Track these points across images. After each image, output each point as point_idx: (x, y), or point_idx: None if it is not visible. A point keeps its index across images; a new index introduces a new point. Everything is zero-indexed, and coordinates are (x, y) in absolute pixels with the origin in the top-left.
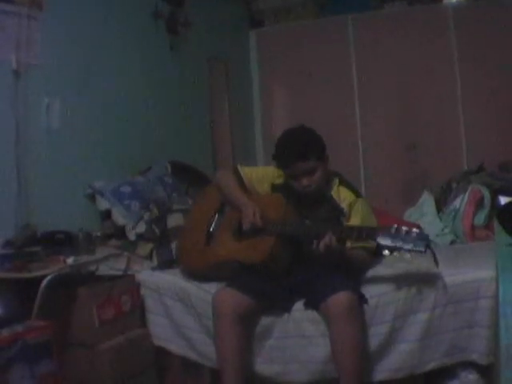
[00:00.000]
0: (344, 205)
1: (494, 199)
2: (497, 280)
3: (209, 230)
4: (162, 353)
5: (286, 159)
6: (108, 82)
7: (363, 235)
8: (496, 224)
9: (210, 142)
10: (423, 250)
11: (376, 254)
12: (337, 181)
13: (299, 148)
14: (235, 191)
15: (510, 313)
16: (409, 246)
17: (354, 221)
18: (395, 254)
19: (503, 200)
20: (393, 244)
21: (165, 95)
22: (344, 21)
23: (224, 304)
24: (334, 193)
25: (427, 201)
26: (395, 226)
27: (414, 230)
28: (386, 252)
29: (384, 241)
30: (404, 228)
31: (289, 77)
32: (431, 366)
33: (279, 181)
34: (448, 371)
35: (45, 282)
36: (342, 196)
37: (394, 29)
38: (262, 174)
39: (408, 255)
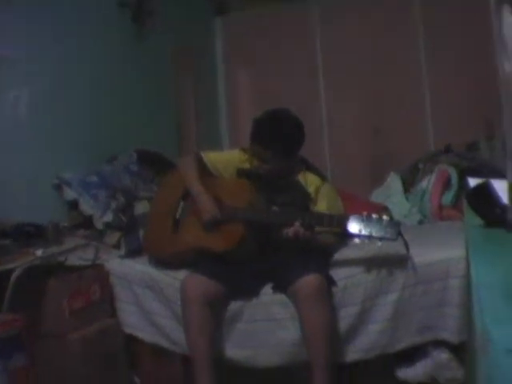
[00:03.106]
0: (311, 189)
1: (462, 179)
2: (467, 259)
3: (175, 217)
4: (132, 341)
5: (268, 147)
6: (74, 72)
7: (334, 223)
8: (465, 206)
9: (175, 129)
10: (395, 237)
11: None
12: (303, 166)
13: (287, 146)
14: (193, 182)
15: (484, 297)
16: (380, 234)
17: (321, 205)
18: (366, 242)
19: (472, 181)
20: (364, 233)
21: (130, 84)
22: (309, 6)
23: (192, 290)
24: (300, 177)
25: (394, 181)
26: (365, 213)
27: (385, 217)
28: (357, 240)
29: (354, 229)
30: (374, 215)
31: (254, 63)
32: (402, 345)
33: (245, 165)
34: (420, 350)
35: (14, 274)
36: (309, 181)
37: (359, 13)
38: (227, 159)
39: (379, 243)
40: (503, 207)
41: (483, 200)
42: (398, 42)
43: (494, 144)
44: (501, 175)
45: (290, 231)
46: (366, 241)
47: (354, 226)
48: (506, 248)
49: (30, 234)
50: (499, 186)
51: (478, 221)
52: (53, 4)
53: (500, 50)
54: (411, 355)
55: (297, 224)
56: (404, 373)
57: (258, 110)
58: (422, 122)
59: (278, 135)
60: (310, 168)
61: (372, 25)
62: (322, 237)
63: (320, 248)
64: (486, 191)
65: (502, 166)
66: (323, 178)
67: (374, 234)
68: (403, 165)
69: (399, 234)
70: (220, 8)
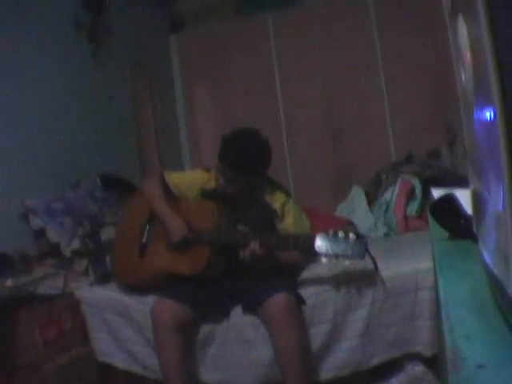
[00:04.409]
0: (276, 206)
1: (426, 188)
2: (435, 273)
3: (141, 242)
4: (106, 368)
5: (235, 167)
6: (32, 95)
7: (300, 243)
8: (430, 218)
9: (136, 151)
10: (362, 256)
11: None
12: (267, 183)
13: (254, 166)
14: (159, 204)
15: (453, 313)
16: (347, 253)
17: (288, 221)
18: (333, 261)
19: (435, 192)
20: (331, 252)
21: (90, 106)
22: (264, 18)
23: (162, 315)
24: (265, 195)
25: (357, 195)
26: (331, 230)
27: (351, 235)
28: (324, 260)
29: (321, 248)
30: (340, 233)
31: (212, 78)
32: (376, 360)
33: (209, 185)
34: (394, 365)
35: None
36: (274, 198)
37: (316, 23)
38: (190, 180)
39: (347, 262)
40: (467, 218)
41: (447, 212)
42: (356, 52)
43: (455, 149)
44: (464, 182)
45: (246, 252)
46: (334, 260)
47: (320, 246)
48: (472, 260)
49: None
50: (462, 196)
51: (443, 233)
52: (9, 27)
53: (456, 59)
54: (386, 370)
55: (252, 244)
56: None
57: (218, 126)
58: (383, 130)
59: (246, 155)
60: (274, 185)
61: (329, 35)
62: (288, 255)
63: (287, 266)
64: (449, 203)
65: (465, 172)
66: (288, 195)
67: (341, 254)
68: (366, 176)
69: (366, 251)
70: (174, 25)
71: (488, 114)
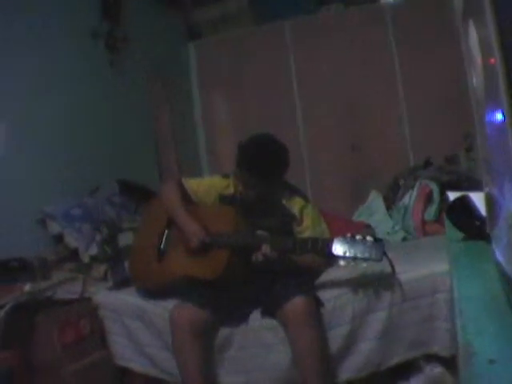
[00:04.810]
0: (295, 210)
1: (443, 193)
2: (451, 276)
3: (160, 247)
4: (125, 372)
5: (254, 173)
6: (51, 104)
7: (318, 246)
8: (446, 220)
9: (155, 158)
10: (380, 258)
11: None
12: (285, 188)
13: (273, 172)
14: (177, 209)
15: (466, 310)
16: (365, 256)
17: (306, 224)
18: (351, 263)
19: (451, 195)
20: (348, 255)
21: (108, 113)
22: (281, 27)
23: (181, 319)
24: (284, 200)
25: (375, 199)
26: (349, 234)
27: (369, 237)
28: (342, 263)
29: (339, 251)
30: (358, 236)
31: (229, 86)
32: (394, 361)
33: (227, 191)
34: (413, 367)
35: (3, 311)
36: (292, 202)
37: (332, 31)
38: (209, 185)
39: (364, 264)
40: (482, 219)
41: (462, 213)
42: (373, 59)
43: (472, 155)
44: (480, 186)
45: (258, 255)
46: (352, 262)
47: (338, 248)
48: (485, 260)
49: (15, 269)
50: (478, 198)
51: (459, 235)
52: (26, 38)
53: (467, 63)
54: (404, 372)
55: (263, 247)
56: None
57: (235, 133)
58: (401, 136)
59: (263, 161)
60: (292, 190)
61: (346, 42)
62: (306, 258)
63: (306, 270)
64: (464, 205)
65: (481, 177)
66: (306, 198)
67: (359, 256)
68: (384, 181)
69: (384, 254)
70: (192, 33)
71: (498, 117)
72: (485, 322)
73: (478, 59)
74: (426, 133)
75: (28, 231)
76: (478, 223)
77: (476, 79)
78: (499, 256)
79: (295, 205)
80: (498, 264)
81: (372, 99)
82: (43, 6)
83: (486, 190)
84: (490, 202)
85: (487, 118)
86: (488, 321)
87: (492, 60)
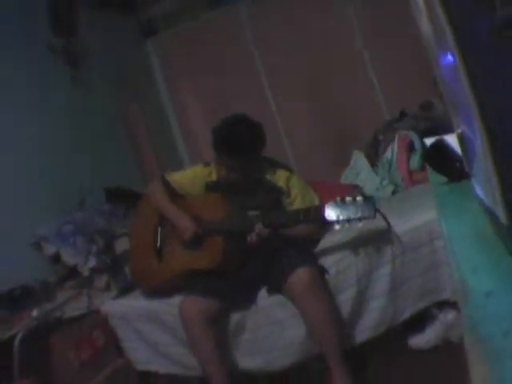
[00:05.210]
0: (281, 183)
1: (424, 141)
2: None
3: (156, 246)
4: (147, 376)
5: (232, 153)
6: (20, 126)
7: (311, 215)
8: (427, 166)
9: (133, 158)
10: (373, 215)
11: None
12: (267, 163)
13: (250, 148)
14: (165, 205)
15: (457, 248)
16: (358, 215)
17: (294, 195)
18: (346, 226)
19: (428, 141)
20: (342, 217)
21: (80, 126)
22: (236, 8)
23: (190, 312)
24: (268, 175)
25: (358, 159)
26: (338, 197)
27: (358, 197)
28: (337, 227)
29: (332, 216)
30: (348, 198)
31: (194, 75)
32: (407, 314)
33: (211, 178)
34: (426, 316)
35: (16, 341)
36: (277, 176)
37: (290, 5)
38: (192, 176)
39: (359, 224)
40: (461, 160)
41: (441, 158)
42: (332, 19)
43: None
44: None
45: (252, 236)
46: (347, 225)
47: (331, 214)
48: (470, 199)
49: (20, 297)
50: (453, 140)
51: (442, 179)
52: None
53: (416, 12)
54: (419, 324)
55: (256, 227)
56: (416, 341)
57: (209, 122)
58: (372, 93)
59: (238, 138)
60: (274, 164)
61: (302, 8)
62: (302, 229)
63: (303, 241)
64: (441, 148)
65: None
66: (290, 170)
67: (352, 217)
68: (363, 140)
69: (376, 210)
70: (149, 29)
71: (450, 59)
72: (477, 258)
73: (422, 5)
74: (397, 84)
75: (24, 257)
76: (457, 164)
77: (425, 26)
78: (479, 191)
79: (280, 178)
80: (479, 199)
81: (338, 60)
82: None
83: (458, 130)
84: (463, 141)
85: (441, 62)
86: (480, 256)
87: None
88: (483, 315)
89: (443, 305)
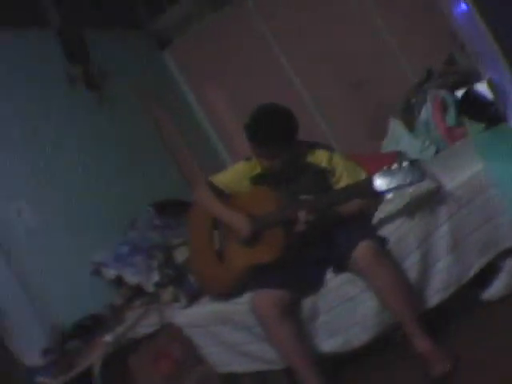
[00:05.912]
0: (324, 164)
1: (455, 96)
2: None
3: (216, 249)
4: (230, 378)
5: (268, 143)
6: (61, 164)
7: (361, 189)
8: (463, 117)
9: (173, 169)
10: (422, 178)
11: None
12: (306, 147)
13: (284, 134)
14: (217, 208)
15: (508, 188)
16: (408, 181)
17: (340, 171)
18: (398, 193)
19: (459, 93)
20: (392, 186)
21: (117, 147)
22: (243, 3)
23: (263, 307)
24: (309, 158)
25: (396, 126)
26: (385, 167)
27: (404, 163)
28: (389, 196)
29: (382, 186)
30: (394, 166)
31: (217, 76)
32: (474, 269)
33: (255, 172)
34: (492, 269)
35: (96, 369)
36: (319, 157)
37: None
38: (236, 174)
39: (410, 189)
40: (494, 104)
41: (475, 105)
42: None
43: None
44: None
45: (298, 226)
46: (397, 192)
47: (380, 184)
48: (510, 141)
49: (91, 327)
50: (483, 88)
51: (479, 127)
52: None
53: None
54: (486, 277)
55: (299, 215)
56: (487, 294)
57: (240, 118)
58: (394, 58)
59: (268, 126)
60: (312, 145)
61: None
62: (354, 205)
63: (358, 216)
64: (473, 97)
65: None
66: (330, 149)
67: (402, 184)
68: (395, 107)
69: (424, 172)
70: (163, 41)
71: (463, 7)
72: None
73: None
74: (417, 44)
75: (87, 286)
76: (492, 108)
77: None
78: None
79: (322, 158)
80: None
81: (354, 35)
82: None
83: (487, 77)
84: (493, 86)
85: (456, 12)
86: None
87: None
88: None
89: (506, 254)
